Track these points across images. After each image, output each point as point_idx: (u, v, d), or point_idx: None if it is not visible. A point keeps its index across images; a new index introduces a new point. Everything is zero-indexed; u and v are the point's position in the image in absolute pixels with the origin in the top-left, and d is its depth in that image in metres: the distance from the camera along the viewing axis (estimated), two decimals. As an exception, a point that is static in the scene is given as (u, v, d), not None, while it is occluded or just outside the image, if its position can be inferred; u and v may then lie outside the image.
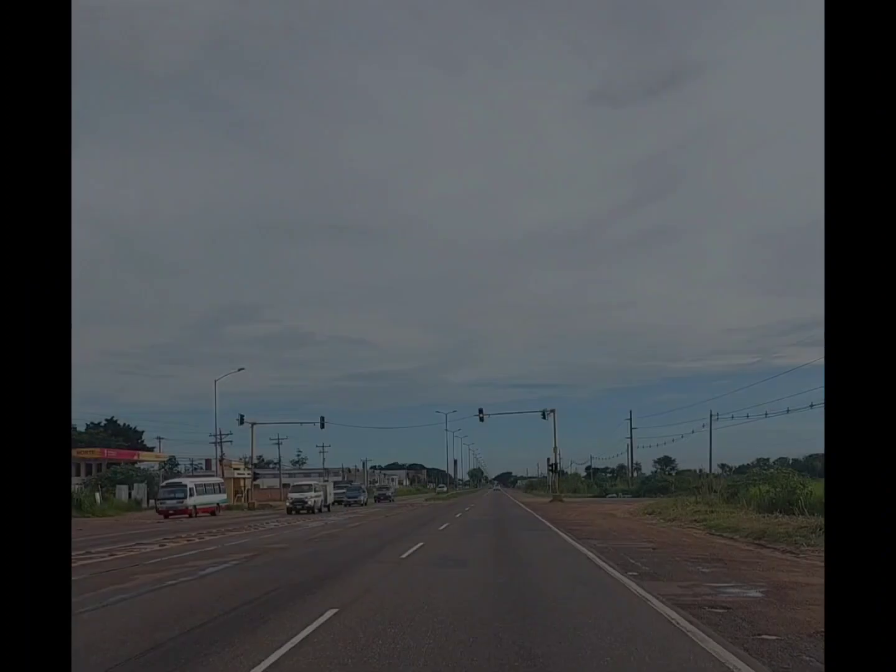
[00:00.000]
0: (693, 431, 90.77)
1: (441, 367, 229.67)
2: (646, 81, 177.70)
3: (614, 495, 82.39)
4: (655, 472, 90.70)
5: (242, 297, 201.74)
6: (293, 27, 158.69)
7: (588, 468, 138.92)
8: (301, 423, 71.47)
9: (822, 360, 1.45)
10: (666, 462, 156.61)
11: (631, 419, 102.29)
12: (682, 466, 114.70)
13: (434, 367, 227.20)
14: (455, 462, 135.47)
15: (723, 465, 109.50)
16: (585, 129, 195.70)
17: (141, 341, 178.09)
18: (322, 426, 64.59)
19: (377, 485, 79.51)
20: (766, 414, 65.49)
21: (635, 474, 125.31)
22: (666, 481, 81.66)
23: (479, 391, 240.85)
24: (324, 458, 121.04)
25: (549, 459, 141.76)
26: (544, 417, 61.91)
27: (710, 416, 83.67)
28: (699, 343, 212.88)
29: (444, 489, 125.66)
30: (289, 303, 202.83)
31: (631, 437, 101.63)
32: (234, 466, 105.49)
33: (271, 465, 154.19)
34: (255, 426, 66.50)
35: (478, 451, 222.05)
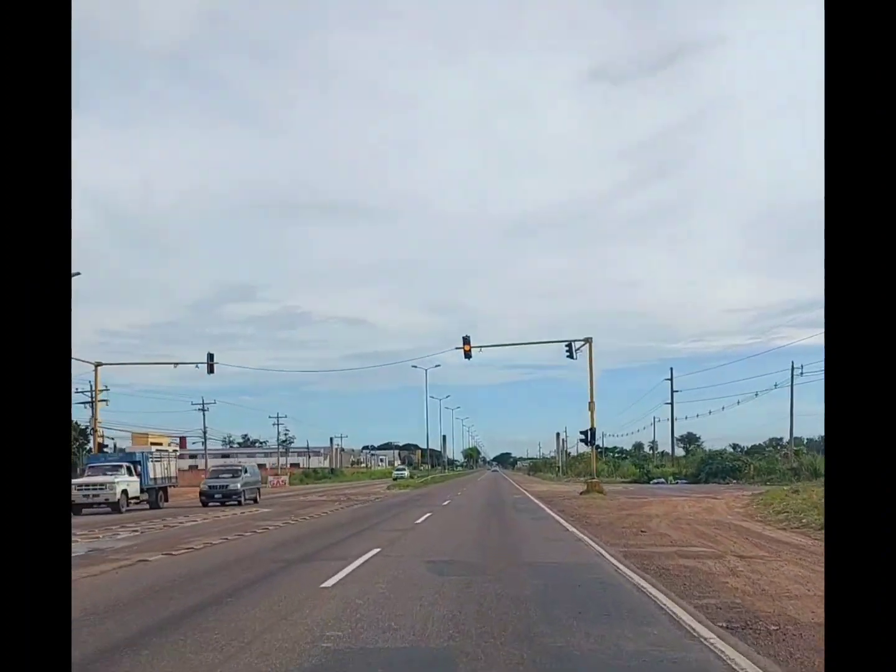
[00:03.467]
0: (707, 412, 72.24)
1: (440, 349, 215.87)
2: (646, 59, 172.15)
3: (662, 480, 58.02)
4: (721, 450, 66.75)
5: (240, 277, 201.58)
6: (289, 3, 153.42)
7: (597, 447, 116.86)
8: (175, 363, 45.72)
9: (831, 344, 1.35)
10: (690, 439, 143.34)
11: (672, 379, 78.19)
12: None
13: (433, 347, 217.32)
14: (444, 437, 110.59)
15: (734, 445, 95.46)
16: (585, 107, 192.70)
17: (137, 321, 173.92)
18: (210, 370, 40.17)
19: (214, 467, 40.86)
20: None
21: (654, 452, 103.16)
22: (738, 461, 57.15)
23: (477, 371, 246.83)
24: (278, 433, 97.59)
25: (558, 435, 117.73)
26: (571, 356, 37.36)
27: (792, 369, 59.16)
28: (699, 323, 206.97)
29: (405, 472, 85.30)
30: (286, 282, 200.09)
31: (672, 403, 77.55)
32: (151, 441, 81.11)
33: (258, 444, 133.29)
34: (99, 367, 41.91)
35: (474, 430, 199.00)
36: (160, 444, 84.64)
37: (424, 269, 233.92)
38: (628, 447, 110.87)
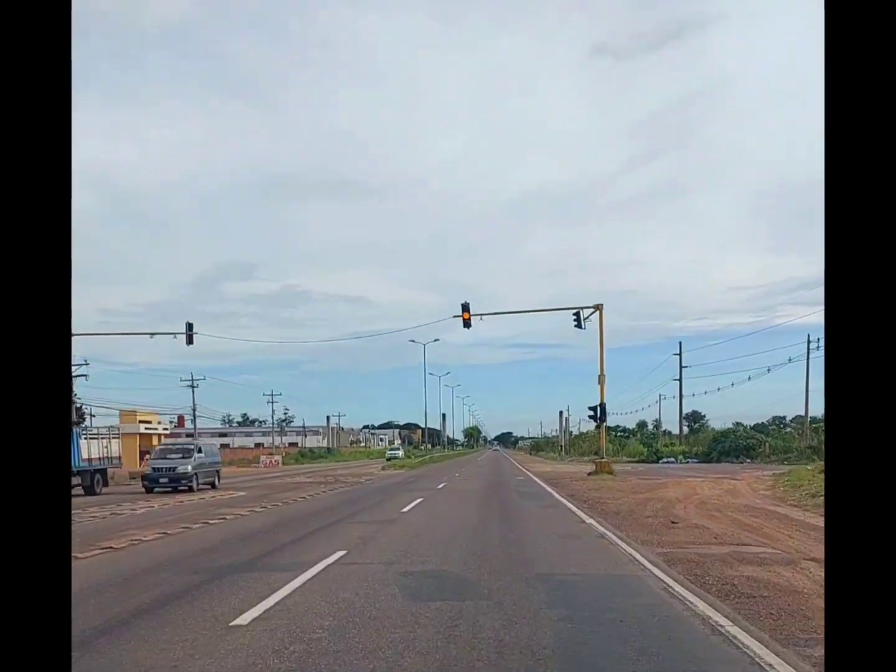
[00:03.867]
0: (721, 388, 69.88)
1: (440, 327, 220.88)
2: (649, 35, 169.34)
3: (671, 459, 55.25)
4: (733, 427, 63.66)
5: (239, 256, 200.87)
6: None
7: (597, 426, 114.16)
8: (151, 334, 41.53)
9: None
10: (695, 417, 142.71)
11: (681, 354, 75.34)
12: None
13: (432, 327, 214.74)
14: (444, 416, 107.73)
15: (737, 423, 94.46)
16: (587, 84, 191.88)
17: (137, 300, 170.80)
18: (189, 341, 37.10)
19: (163, 445, 31.06)
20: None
21: (658, 430, 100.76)
22: (752, 439, 54.30)
23: (478, 351, 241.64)
24: (272, 411, 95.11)
25: (561, 413, 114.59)
26: (579, 325, 34.29)
27: (808, 343, 56.06)
28: (703, 302, 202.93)
29: (398, 452, 77.52)
30: (286, 261, 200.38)
31: (681, 379, 74.84)
32: (140, 419, 78.78)
33: (257, 424, 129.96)
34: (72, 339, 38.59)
35: (475, 409, 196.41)
36: (149, 421, 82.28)
37: (425, 248, 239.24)
38: (630, 426, 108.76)
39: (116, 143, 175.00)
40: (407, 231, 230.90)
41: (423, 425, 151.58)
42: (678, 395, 76.56)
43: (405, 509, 16.55)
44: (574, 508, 16.63)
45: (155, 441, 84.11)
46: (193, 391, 68.99)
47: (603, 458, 33.13)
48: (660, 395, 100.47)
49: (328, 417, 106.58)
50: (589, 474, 32.20)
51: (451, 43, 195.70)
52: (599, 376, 33.08)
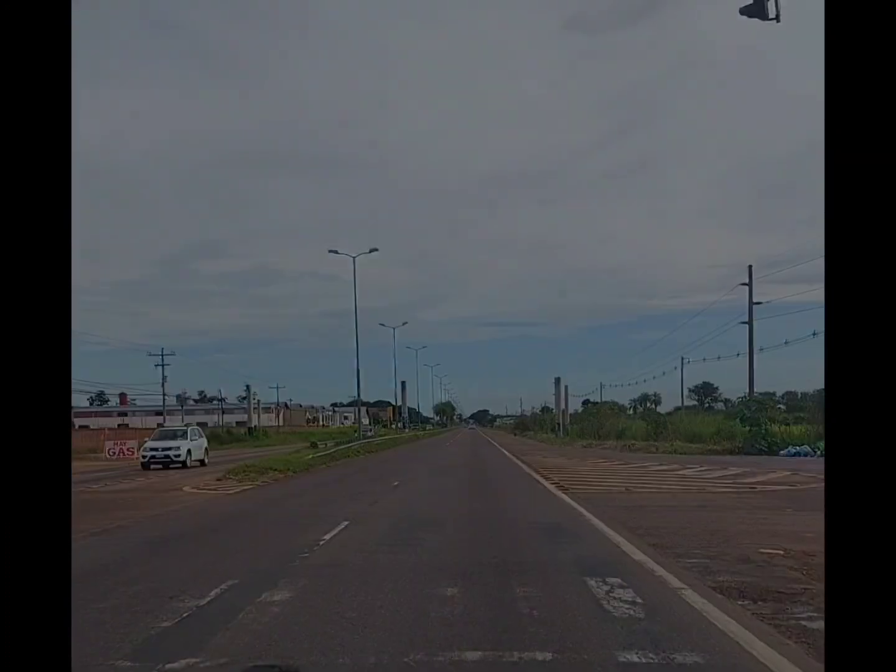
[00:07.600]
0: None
1: (414, 306, 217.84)
2: (623, 7, 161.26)
3: (806, 450, 30.25)
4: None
5: (210, 233, 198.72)
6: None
7: (586, 402, 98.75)
8: None
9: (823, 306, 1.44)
10: (706, 391, 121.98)
11: (750, 284, 50.63)
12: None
13: (407, 305, 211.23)
14: (403, 384, 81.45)
15: (725, 400, 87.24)
16: (560, 58, 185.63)
17: (106, 278, 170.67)
18: None
19: None
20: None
21: (656, 406, 77.09)
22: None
23: (452, 329, 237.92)
24: (163, 378, 69.47)
25: (558, 380, 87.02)
26: (760, 10, 8.66)
27: None
28: (676, 280, 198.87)
29: (179, 448, 27.52)
30: (258, 238, 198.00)
31: (750, 322, 50.21)
32: None
33: (215, 402, 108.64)
34: None
35: (448, 384, 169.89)
36: None
37: (399, 225, 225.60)
38: (621, 402, 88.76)
39: (81, 117, 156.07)
40: (380, 207, 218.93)
41: (394, 402, 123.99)
42: (749, 349, 51.95)
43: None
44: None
45: None
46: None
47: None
48: (682, 359, 75.15)
49: (248, 387, 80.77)
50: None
51: (422, 16, 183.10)
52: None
